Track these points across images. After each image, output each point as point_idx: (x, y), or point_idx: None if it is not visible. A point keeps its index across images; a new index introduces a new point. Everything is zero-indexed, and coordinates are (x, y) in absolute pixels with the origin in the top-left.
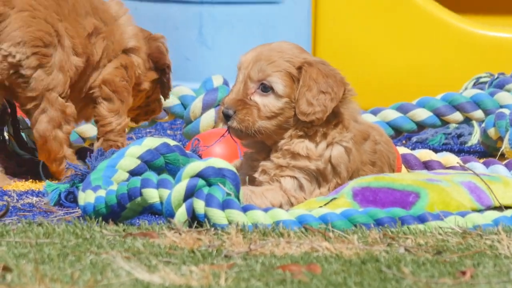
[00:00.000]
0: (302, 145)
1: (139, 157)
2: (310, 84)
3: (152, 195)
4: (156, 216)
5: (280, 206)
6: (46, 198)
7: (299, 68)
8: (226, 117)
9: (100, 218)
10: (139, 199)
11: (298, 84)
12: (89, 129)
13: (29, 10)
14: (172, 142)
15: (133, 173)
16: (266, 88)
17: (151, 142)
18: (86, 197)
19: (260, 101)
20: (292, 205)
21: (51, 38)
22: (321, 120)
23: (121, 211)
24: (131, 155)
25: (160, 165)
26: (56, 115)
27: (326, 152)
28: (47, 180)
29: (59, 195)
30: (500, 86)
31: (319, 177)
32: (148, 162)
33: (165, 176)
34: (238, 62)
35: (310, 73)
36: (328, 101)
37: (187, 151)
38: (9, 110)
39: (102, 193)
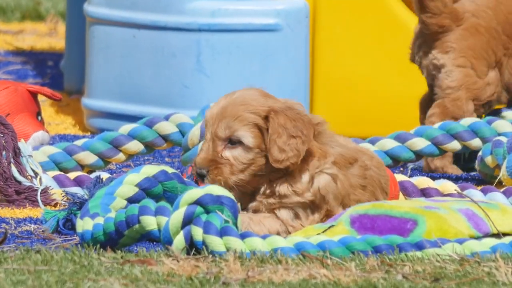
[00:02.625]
0: (285, 185)
1: (137, 185)
2: (279, 131)
3: (150, 222)
4: (154, 243)
5: (278, 234)
6: (44, 226)
7: (266, 118)
8: (201, 177)
9: (98, 245)
10: (137, 226)
11: (266, 133)
12: (87, 156)
13: (473, 32)
14: (170, 170)
15: (131, 200)
16: (234, 142)
17: (149, 169)
18: (84, 224)
19: (231, 155)
20: (289, 233)
21: (487, 56)
22: (295, 164)
23: (119, 238)
24: (129, 182)
25: (158, 192)
26: None
27: (314, 183)
28: (45, 208)
29: (57, 222)
30: (494, 113)
31: (311, 206)
32: (146, 190)
33: (163, 203)
34: (205, 119)
35: (278, 120)
36: (299, 145)
37: (185, 179)
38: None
39: (100, 220)
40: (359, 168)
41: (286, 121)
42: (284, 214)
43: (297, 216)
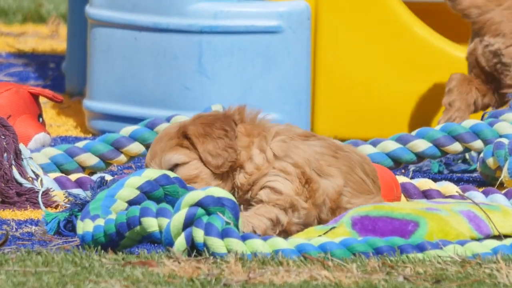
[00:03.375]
0: (241, 175)
1: (139, 188)
2: (202, 140)
3: (151, 224)
4: (155, 244)
5: (277, 217)
6: (44, 227)
7: (184, 136)
8: None
9: (99, 247)
10: (138, 228)
11: (194, 149)
12: (88, 158)
13: None
14: (172, 174)
15: (131, 203)
16: (172, 169)
17: (151, 173)
18: (85, 226)
19: (181, 175)
20: (287, 208)
21: None
22: (237, 160)
23: (120, 240)
24: (130, 185)
25: (159, 196)
26: None
27: (266, 154)
28: (45, 210)
29: (58, 224)
30: (496, 116)
31: (282, 173)
32: (148, 193)
33: (164, 205)
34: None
35: (195, 131)
36: (228, 141)
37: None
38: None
39: (100, 222)
40: (321, 142)
41: (202, 128)
42: (264, 194)
43: (279, 190)
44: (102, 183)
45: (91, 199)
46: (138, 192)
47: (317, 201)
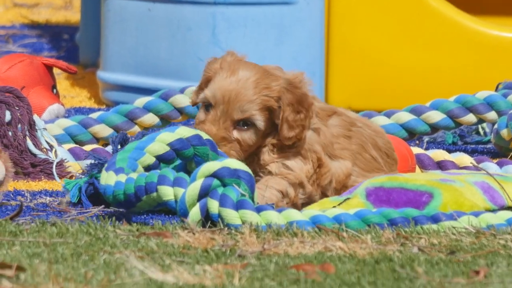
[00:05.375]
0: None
1: (169, 144)
2: (289, 109)
3: (167, 192)
4: (170, 215)
5: (286, 190)
6: (67, 196)
7: (277, 97)
8: None
9: (114, 218)
10: (154, 194)
11: (274, 113)
12: (102, 129)
13: None
14: (205, 136)
15: (160, 158)
16: (246, 124)
17: (184, 131)
18: (108, 178)
19: (240, 136)
20: (295, 184)
21: None
22: (301, 139)
23: (137, 202)
24: (161, 140)
25: (189, 155)
26: None
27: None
28: (60, 180)
29: (80, 190)
30: (510, 87)
31: (299, 156)
32: (178, 151)
33: (181, 174)
34: (211, 95)
35: (288, 98)
36: (304, 120)
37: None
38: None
39: (122, 178)
40: (339, 119)
41: (293, 98)
42: (274, 167)
43: (289, 167)
44: (124, 140)
45: (114, 152)
46: (168, 148)
47: (323, 183)
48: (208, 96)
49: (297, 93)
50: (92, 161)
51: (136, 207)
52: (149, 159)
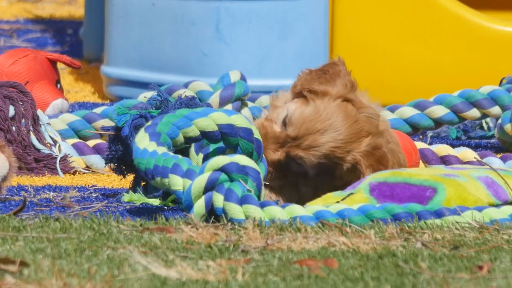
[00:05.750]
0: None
1: (219, 125)
2: (368, 171)
3: (177, 182)
4: (173, 211)
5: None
6: (64, 193)
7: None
8: None
9: (117, 214)
10: (166, 180)
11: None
12: (106, 124)
13: None
14: (256, 134)
15: (205, 135)
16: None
17: (239, 119)
18: (141, 140)
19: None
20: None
21: None
22: None
23: (152, 179)
24: (213, 118)
25: (234, 144)
26: None
27: None
28: (116, 104)
29: (130, 118)
30: None
31: None
32: (224, 135)
33: (194, 167)
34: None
35: (367, 162)
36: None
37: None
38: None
39: (151, 147)
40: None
41: (373, 160)
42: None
43: None
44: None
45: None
46: (216, 129)
47: None
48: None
49: (377, 154)
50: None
51: (152, 182)
52: (194, 132)
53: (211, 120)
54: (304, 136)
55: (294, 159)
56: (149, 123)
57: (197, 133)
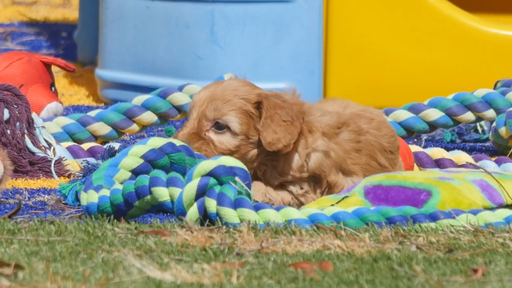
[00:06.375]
0: (275, 172)
1: (142, 156)
2: (272, 114)
3: (163, 193)
4: (168, 214)
5: (289, 204)
6: (57, 196)
7: (256, 103)
8: None
9: (112, 216)
10: (148, 197)
11: (254, 120)
12: (101, 127)
13: None
14: (178, 142)
15: (135, 172)
16: (221, 127)
17: (155, 141)
18: (89, 197)
19: (216, 138)
20: (301, 204)
21: None
22: (288, 147)
23: (128, 209)
24: (134, 154)
25: (165, 164)
26: None
27: (308, 164)
28: (58, 179)
29: (77, 194)
30: (509, 85)
31: (312, 180)
32: (152, 162)
33: (174, 174)
34: (191, 101)
35: (270, 105)
36: (291, 128)
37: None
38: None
39: (106, 192)
40: (349, 132)
41: (276, 106)
42: (294, 189)
43: (304, 189)
44: (112, 153)
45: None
46: (142, 161)
47: None
48: (189, 104)
49: (282, 104)
50: (87, 164)
51: (127, 216)
52: (125, 174)
53: (133, 156)
54: (204, 103)
55: (214, 126)
56: (83, 186)
57: (128, 174)
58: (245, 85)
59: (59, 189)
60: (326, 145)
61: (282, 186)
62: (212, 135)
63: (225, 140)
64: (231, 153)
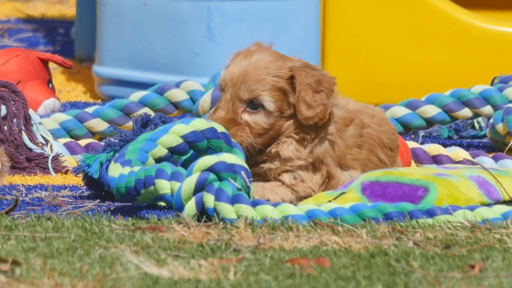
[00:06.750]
0: (291, 148)
1: (183, 136)
2: (305, 88)
3: (164, 186)
4: (165, 210)
5: (291, 201)
6: (87, 170)
7: (289, 78)
8: None
9: (109, 213)
10: (152, 188)
11: (287, 95)
12: (98, 124)
13: None
14: (220, 129)
15: (173, 150)
16: (255, 106)
17: (199, 123)
18: (114, 170)
19: (250, 119)
20: (301, 198)
21: None
22: (324, 119)
23: (137, 195)
24: (175, 132)
25: (203, 148)
26: None
27: (314, 149)
28: (83, 154)
29: (101, 165)
30: (506, 81)
31: (311, 168)
32: (191, 143)
33: (179, 169)
34: (221, 79)
35: (302, 78)
36: (325, 99)
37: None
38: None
39: (126, 171)
40: (354, 127)
41: (309, 77)
42: (287, 178)
43: (302, 180)
44: (147, 121)
45: (134, 134)
46: (181, 141)
47: None
48: (220, 81)
49: (314, 73)
50: (121, 135)
51: (137, 201)
52: (161, 151)
53: (174, 134)
54: (237, 82)
55: (248, 106)
56: (116, 155)
57: (165, 151)
58: (276, 59)
59: (83, 159)
60: (335, 136)
61: (275, 176)
62: (246, 116)
63: (259, 119)
64: (266, 131)
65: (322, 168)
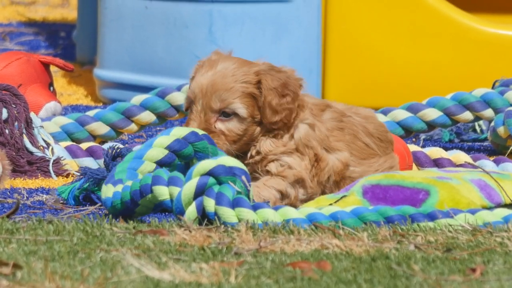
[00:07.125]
0: (268, 142)
1: (167, 147)
2: (271, 93)
3: (163, 192)
4: (166, 213)
5: (286, 190)
6: (56, 196)
7: (257, 83)
8: None
9: (110, 216)
10: (150, 196)
11: (257, 100)
12: (99, 127)
13: None
14: (200, 131)
15: (160, 163)
16: (228, 114)
17: (179, 131)
18: (107, 191)
19: (224, 127)
20: (294, 183)
21: None
22: (288, 123)
23: (135, 207)
24: (159, 145)
25: (189, 153)
26: None
27: (295, 134)
28: (56, 178)
29: (78, 198)
30: (507, 85)
31: (297, 153)
32: (177, 152)
33: (176, 173)
34: (190, 91)
35: (268, 82)
36: (291, 103)
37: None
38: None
39: (119, 188)
40: (331, 112)
41: (274, 81)
42: (273, 167)
43: (289, 166)
44: (117, 154)
45: (109, 168)
46: (166, 151)
47: (322, 179)
48: (189, 93)
49: (279, 76)
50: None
51: (136, 213)
52: (150, 166)
53: (158, 147)
54: (206, 93)
55: (220, 115)
56: (96, 190)
57: (153, 165)
58: (241, 65)
59: (57, 193)
60: (312, 119)
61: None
62: (220, 125)
63: (233, 126)
64: (240, 137)
65: (308, 152)
